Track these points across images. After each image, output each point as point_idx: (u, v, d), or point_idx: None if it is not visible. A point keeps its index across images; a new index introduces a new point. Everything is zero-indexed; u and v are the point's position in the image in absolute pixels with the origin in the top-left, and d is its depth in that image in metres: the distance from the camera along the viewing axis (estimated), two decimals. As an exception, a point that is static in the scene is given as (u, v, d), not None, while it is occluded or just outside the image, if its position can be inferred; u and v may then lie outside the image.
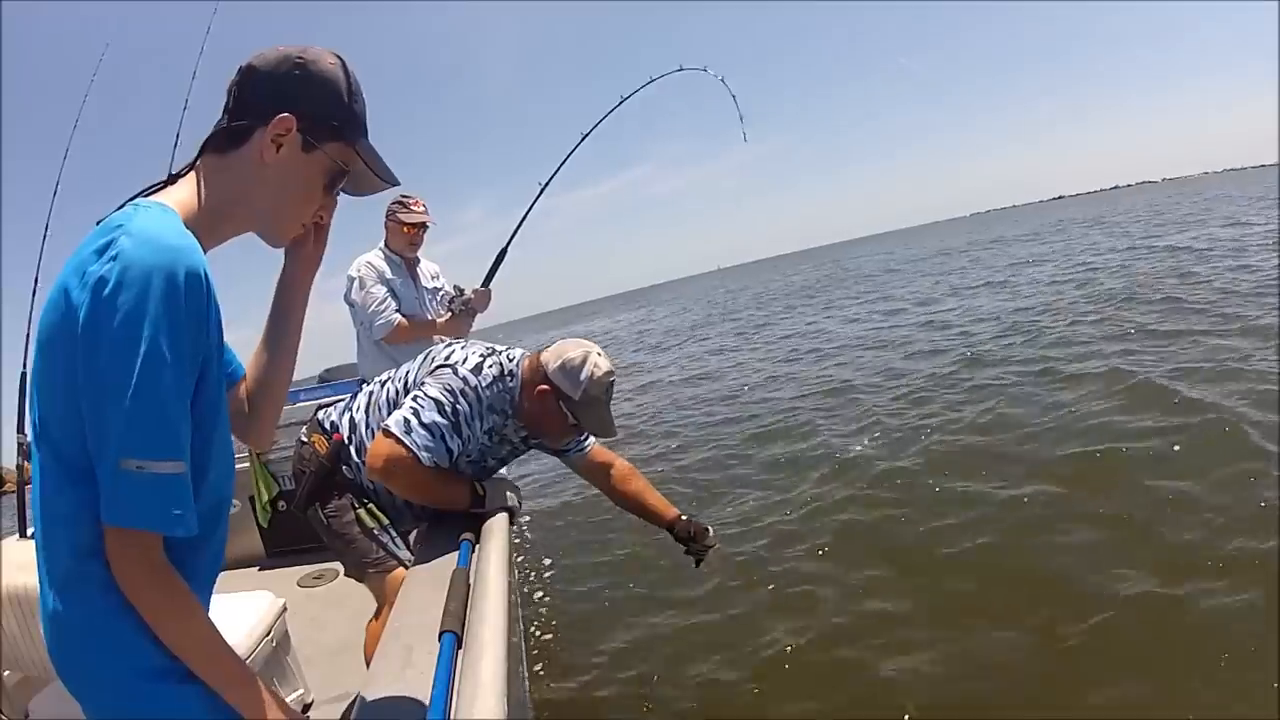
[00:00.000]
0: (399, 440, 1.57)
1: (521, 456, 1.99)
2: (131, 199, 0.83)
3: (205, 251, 0.84)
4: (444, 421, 1.60)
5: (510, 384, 1.72)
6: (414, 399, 1.62)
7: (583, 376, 1.69)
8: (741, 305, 21.54)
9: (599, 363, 1.71)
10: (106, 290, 0.70)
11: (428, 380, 1.66)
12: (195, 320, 0.75)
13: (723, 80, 3.55)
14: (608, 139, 3.43)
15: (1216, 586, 2.42)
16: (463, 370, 1.66)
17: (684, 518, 2.02)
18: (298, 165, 0.88)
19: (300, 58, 0.87)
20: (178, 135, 3.06)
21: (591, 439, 1.99)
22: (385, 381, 1.79)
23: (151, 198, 0.83)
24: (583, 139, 3.38)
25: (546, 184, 3.33)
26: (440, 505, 1.71)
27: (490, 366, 1.69)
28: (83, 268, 0.73)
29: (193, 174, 0.87)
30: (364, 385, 1.90)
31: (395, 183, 0.96)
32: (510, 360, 1.75)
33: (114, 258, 0.71)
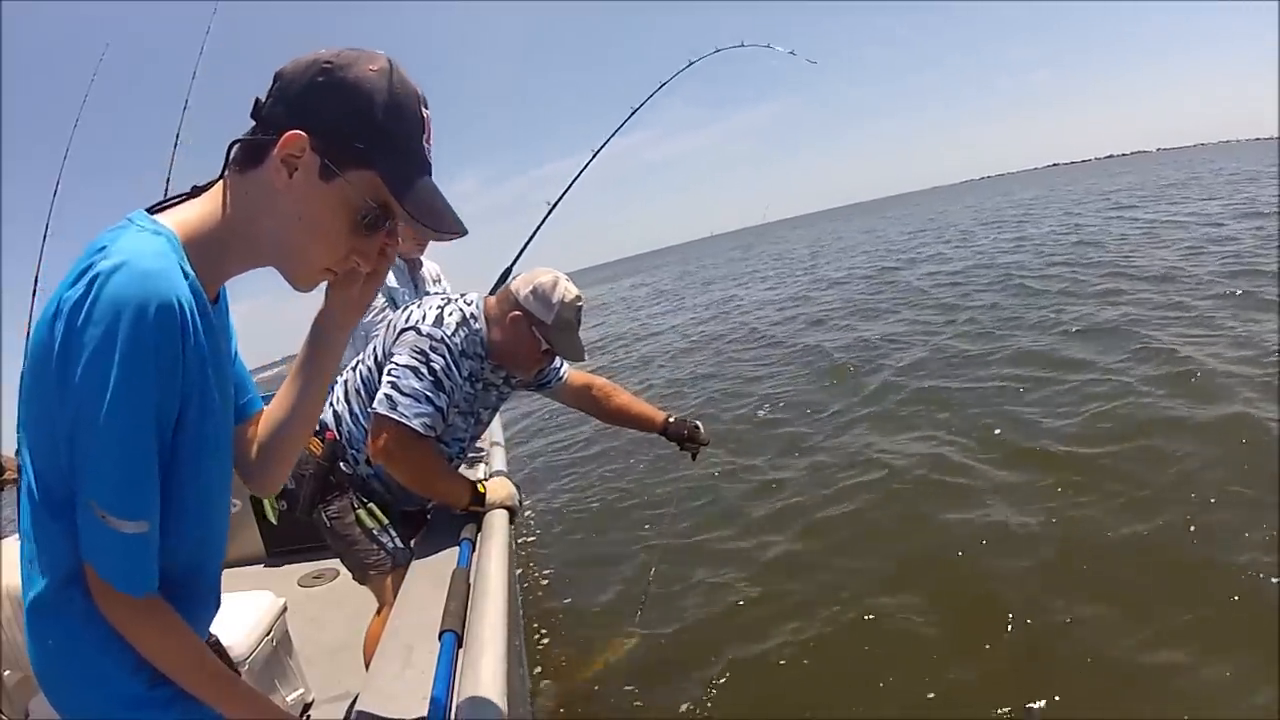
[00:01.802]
0: (388, 418, 1.57)
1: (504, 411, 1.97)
2: (144, 209, 0.76)
3: (225, 278, 0.79)
4: (423, 384, 1.60)
5: (475, 326, 1.71)
6: (388, 374, 1.61)
7: (555, 299, 1.71)
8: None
9: (569, 287, 1.74)
10: (78, 322, 0.66)
11: (395, 350, 1.65)
12: (165, 357, 0.68)
13: (770, 45, 3.67)
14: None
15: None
16: (426, 327, 1.64)
17: (673, 419, 2.14)
18: (314, 196, 0.73)
19: (329, 62, 0.72)
20: (178, 135, 3.06)
21: (566, 365, 2.02)
22: (356, 365, 1.78)
23: (160, 214, 0.75)
24: (593, 156, 3.32)
25: (555, 204, 3.29)
26: (440, 498, 1.71)
27: (450, 315, 1.68)
28: (62, 292, 0.68)
29: (216, 190, 0.77)
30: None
31: (458, 232, 0.78)
32: (469, 305, 1.74)
33: (89, 285, 0.66)
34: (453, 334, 1.65)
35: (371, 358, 1.73)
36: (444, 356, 1.63)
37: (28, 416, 0.74)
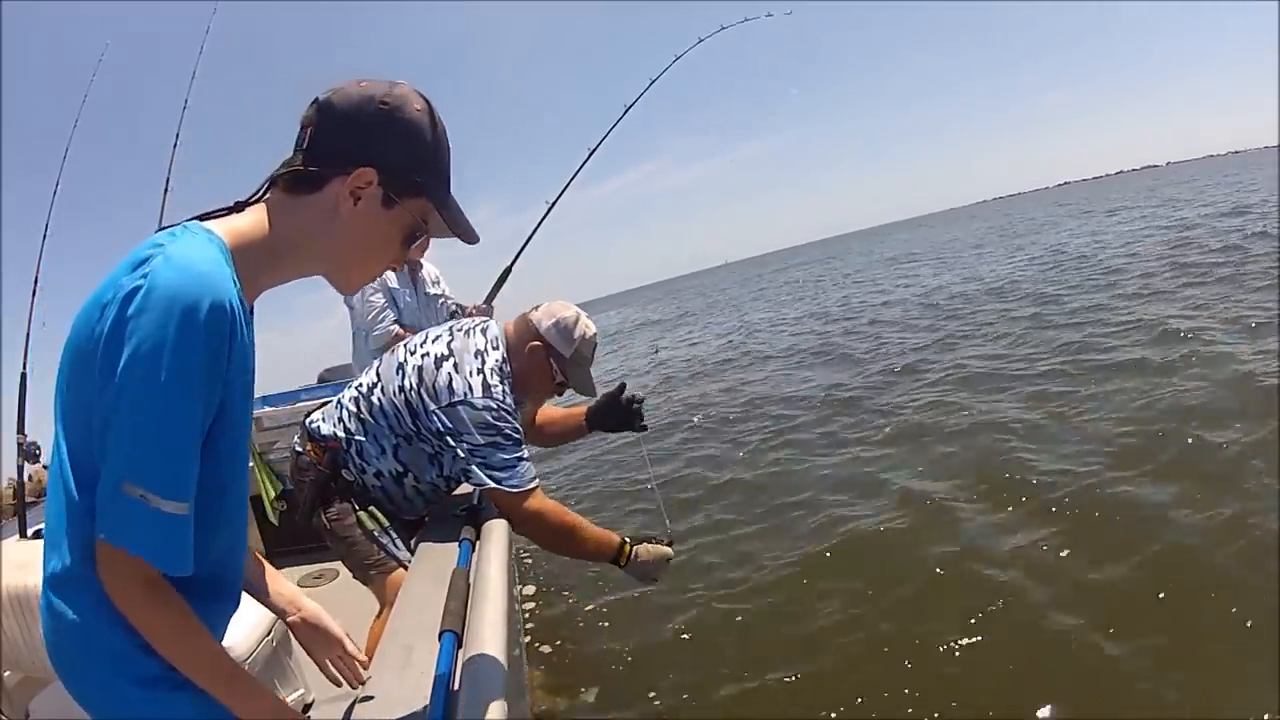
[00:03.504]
0: (506, 493, 1.62)
1: None
2: (190, 219, 0.81)
3: (262, 289, 0.84)
4: (508, 453, 1.62)
5: (507, 370, 1.72)
6: (471, 454, 1.60)
7: (576, 334, 1.77)
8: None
9: (588, 323, 1.80)
10: (131, 309, 0.70)
11: (455, 426, 1.60)
12: (214, 354, 0.73)
13: (745, 19, 3.64)
14: (617, 132, 3.36)
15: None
16: (479, 400, 1.61)
17: (591, 404, 2.13)
18: (376, 220, 0.84)
19: (385, 103, 0.82)
20: (178, 135, 3.06)
21: None
22: (371, 390, 1.72)
23: (209, 222, 0.81)
24: (590, 155, 3.29)
25: (554, 202, 3.27)
26: (586, 554, 1.78)
27: (492, 376, 1.66)
28: (118, 279, 0.72)
29: (260, 206, 0.83)
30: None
31: (475, 240, 0.92)
32: (495, 349, 1.72)
33: (144, 276, 0.70)
34: (504, 397, 1.65)
35: (400, 395, 1.66)
36: (508, 419, 1.64)
37: (68, 397, 0.77)
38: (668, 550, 1.84)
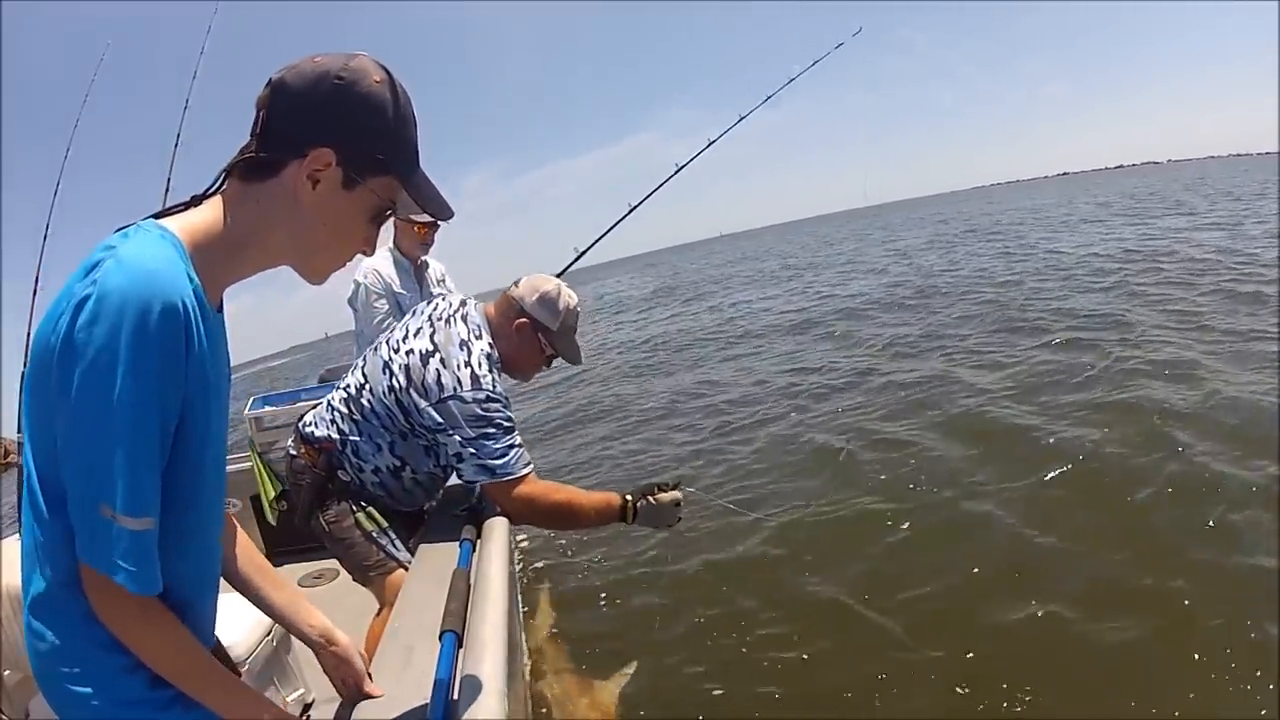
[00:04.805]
0: (498, 485, 1.61)
1: None
2: (145, 218, 0.77)
3: (226, 284, 0.81)
4: (500, 442, 1.61)
5: (494, 355, 1.71)
6: (464, 446, 1.60)
7: (560, 306, 1.78)
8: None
9: (571, 294, 1.81)
10: (82, 318, 0.67)
11: (445, 423, 1.60)
12: (169, 358, 0.70)
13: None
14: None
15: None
16: (469, 393, 1.60)
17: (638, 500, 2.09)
18: (337, 203, 0.79)
19: (340, 77, 0.76)
20: (178, 135, 3.06)
21: None
22: (360, 388, 1.71)
23: (165, 219, 0.77)
24: (631, 210, 3.26)
25: (584, 251, 3.21)
26: (590, 524, 1.77)
27: (480, 366, 1.64)
28: (72, 286, 0.70)
29: (218, 199, 0.79)
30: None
31: (447, 216, 0.89)
32: (479, 338, 1.70)
33: (94, 282, 0.67)
34: (493, 386, 1.64)
35: (390, 395, 1.65)
36: (498, 408, 1.63)
37: (31, 412, 0.75)
38: (676, 494, 1.81)
